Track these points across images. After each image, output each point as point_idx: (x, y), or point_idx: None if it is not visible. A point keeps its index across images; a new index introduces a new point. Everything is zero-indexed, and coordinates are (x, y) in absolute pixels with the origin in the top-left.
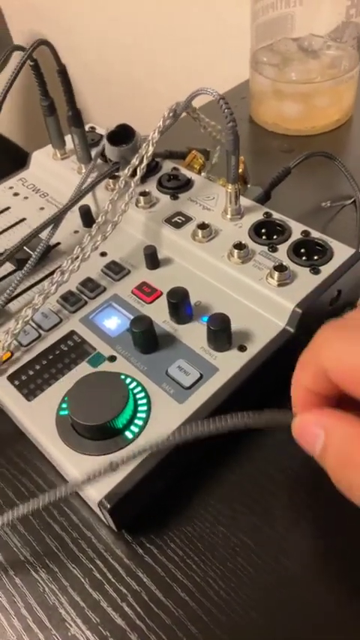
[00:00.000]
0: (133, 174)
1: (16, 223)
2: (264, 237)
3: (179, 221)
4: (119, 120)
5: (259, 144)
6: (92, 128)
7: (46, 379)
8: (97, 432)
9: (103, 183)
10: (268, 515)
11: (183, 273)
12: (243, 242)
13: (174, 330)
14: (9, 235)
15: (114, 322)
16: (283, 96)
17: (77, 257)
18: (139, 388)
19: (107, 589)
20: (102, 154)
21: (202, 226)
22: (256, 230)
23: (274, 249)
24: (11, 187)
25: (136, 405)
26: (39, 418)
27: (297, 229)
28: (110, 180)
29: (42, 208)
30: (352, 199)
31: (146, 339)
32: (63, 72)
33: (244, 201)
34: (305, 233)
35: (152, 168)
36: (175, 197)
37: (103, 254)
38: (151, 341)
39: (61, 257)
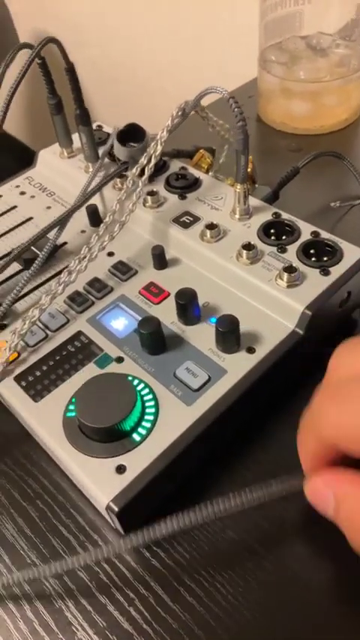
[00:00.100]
0: (141, 173)
1: (23, 222)
2: (273, 237)
3: (187, 221)
4: (126, 118)
5: (266, 143)
6: (99, 127)
7: (53, 380)
8: (105, 434)
9: (111, 182)
10: (278, 519)
11: (191, 274)
12: (252, 242)
13: (182, 331)
14: (15, 234)
15: (121, 323)
16: (292, 94)
17: (84, 257)
18: (147, 390)
19: (114, 593)
20: (109, 153)
21: (211, 226)
22: (265, 230)
23: (283, 250)
24: (18, 186)
25: (143, 407)
26: (46, 419)
27: (306, 230)
28: (118, 180)
29: (49, 207)
30: None
31: (154, 340)
32: (71, 70)
33: (253, 201)
34: (315, 234)
35: (160, 167)
36: (183, 197)
37: (111, 254)
38: (159, 342)
39: (68, 257)
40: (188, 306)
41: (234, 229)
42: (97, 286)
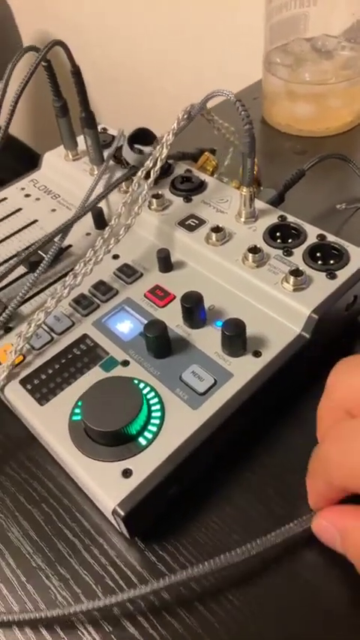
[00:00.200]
0: (147, 176)
1: (28, 225)
2: (279, 240)
3: (192, 224)
4: (126, 117)
5: (271, 145)
6: (104, 129)
7: (58, 383)
8: (111, 438)
9: None
10: (283, 524)
11: (196, 277)
12: (258, 246)
13: (187, 334)
14: (20, 237)
15: (127, 326)
16: (297, 97)
17: (90, 260)
18: (153, 394)
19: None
20: (114, 156)
21: (216, 229)
22: (271, 233)
23: (289, 253)
24: (23, 188)
25: (149, 411)
26: (52, 423)
27: (312, 233)
28: (123, 183)
29: (54, 210)
30: None
31: (160, 344)
32: (77, 73)
33: (258, 204)
34: (321, 237)
35: (165, 170)
36: (188, 199)
37: (116, 257)
38: (165, 346)
39: (73, 259)
40: (194, 309)
41: (239, 232)
42: (103, 289)
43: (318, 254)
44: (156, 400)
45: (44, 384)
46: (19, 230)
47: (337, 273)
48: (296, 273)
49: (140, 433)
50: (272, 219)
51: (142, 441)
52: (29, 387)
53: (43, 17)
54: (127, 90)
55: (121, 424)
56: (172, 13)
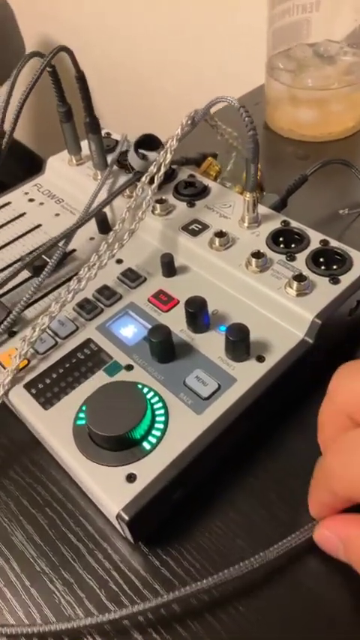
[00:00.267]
0: (151, 181)
1: (32, 229)
2: (282, 245)
3: (196, 229)
4: (126, 117)
5: (274, 150)
6: (108, 134)
7: (62, 388)
8: (115, 442)
9: None
10: (287, 529)
11: (200, 282)
12: (261, 251)
13: (191, 339)
14: (24, 241)
15: (130, 331)
16: (299, 102)
17: (94, 264)
18: (157, 398)
19: (123, 601)
20: (118, 160)
21: (220, 234)
22: (274, 238)
23: (292, 258)
24: (27, 193)
25: (153, 416)
26: (56, 427)
27: (315, 238)
28: (127, 188)
29: (57, 214)
30: None
31: (164, 348)
32: (82, 79)
33: (261, 209)
34: (324, 242)
35: (169, 175)
36: (191, 204)
37: (119, 261)
38: (169, 350)
39: (77, 264)
40: (198, 314)
41: (243, 237)
42: (107, 294)
43: (321, 259)
44: (160, 405)
45: (48, 389)
46: (23, 234)
47: (340, 278)
48: (299, 278)
49: (144, 438)
50: (275, 224)
51: (146, 445)
52: (33, 391)
53: (43, 18)
54: (127, 90)
55: (125, 429)
56: (172, 13)
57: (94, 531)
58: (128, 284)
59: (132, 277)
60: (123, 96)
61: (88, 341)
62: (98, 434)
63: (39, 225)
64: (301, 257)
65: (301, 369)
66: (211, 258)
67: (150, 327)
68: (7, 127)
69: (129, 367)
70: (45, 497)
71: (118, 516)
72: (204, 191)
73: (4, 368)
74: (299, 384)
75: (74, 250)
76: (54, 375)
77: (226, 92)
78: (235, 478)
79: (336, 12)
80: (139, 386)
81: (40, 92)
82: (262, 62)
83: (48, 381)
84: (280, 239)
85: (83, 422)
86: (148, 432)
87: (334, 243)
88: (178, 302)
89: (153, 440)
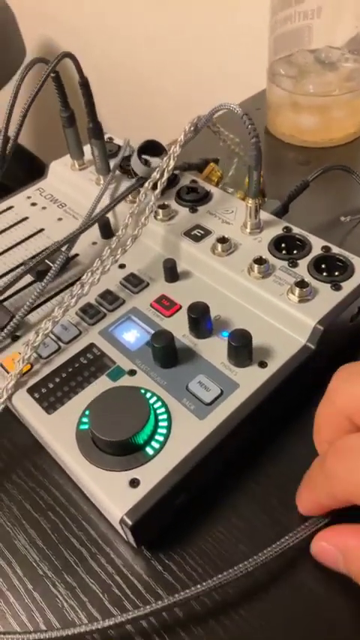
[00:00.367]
0: (154, 187)
1: (35, 234)
2: (284, 251)
3: (198, 234)
4: (126, 118)
5: (275, 155)
6: (110, 139)
7: (66, 392)
8: (119, 447)
9: None
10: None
11: (202, 287)
12: (263, 257)
13: (193, 344)
14: (27, 245)
15: (133, 335)
16: (301, 108)
17: (97, 269)
18: (160, 403)
19: (126, 605)
20: (120, 166)
21: (222, 240)
22: (276, 245)
23: (294, 265)
24: (29, 197)
25: (156, 421)
26: (59, 432)
27: (317, 244)
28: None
29: (60, 219)
30: None
31: (167, 353)
32: (86, 85)
33: (263, 215)
34: (326, 248)
35: (171, 180)
36: (193, 210)
37: (122, 266)
38: (172, 356)
39: (79, 268)
40: (201, 319)
41: (245, 243)
42: (109, 298)
43: (323, 265)
44: (163, 410)
45: (52, 393)
46: (26, 239)
47: (342, 284)
48: (302, 284)
49: (147, 443)
50: (277, 230)
51: (149, 450)
52: (37, 395)
53: (43, 19)
54: (127, 90)
55: (128, 434)
56: (172, 13)
57: (96, 536)
58: (131, 289)
59: (134, 282)
60: (123, 96)
61: (91, 346)
62: (101, 439)
63: (42, 230)
64: (303, 263)
65: (303, 374)
66: (214, 263)
67: (152, 332)
68: (11, 132)
69: (132, 372)
70: (48, 502)
71: (122, 521)
72: (206, 197)
73: (8, 372)
74: (301, 389)
75: (77, 255)
76: (57, 380)
77: (226, 92)
78: (237, 483)
79: (337, 19)
80: (142, 391)
81: (42, 96)
82: (262, 62)
83: (51, 385)
84: (282, 245)
85: (86, 426)
86: (151, 437)
87: (335, 249)
88: (181, 307)
89: (156, 445)
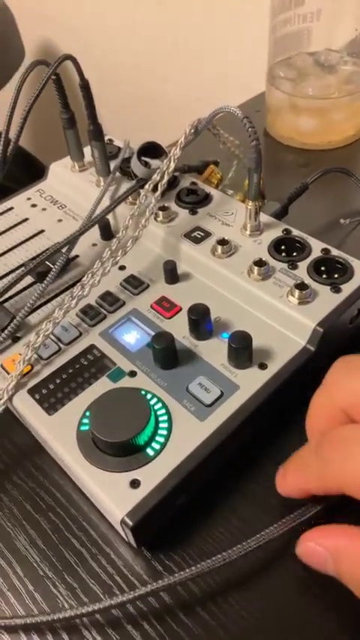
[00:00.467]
0: (154, 189)
1: (35, 235)
2: (284, 254)
3: (198, 236)
4: (126, 118)
5: (274, 157)
6: (110, 140)
7: (66, 393)
8: (119, 448)
9: None
10: (290, 534)
11: (202, 289)
12: (263, 259)
13: (194, 346)
14: (27, 247)
15: (133, 337)
16: (300, 110)
17: (97, 271)
18: (160, 405)
19: (127, 606)
20: (120, 167)
21: (222, 242)
22: (276, 247)
23: (294, 267)
24: (29, 198)
25: (157, 422)
26: (60, 433)
27: (317, 247)
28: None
29: (60, 220)
30: None
31: (167, 355)
32: (86, 87)
33: (263, 217)
34: (325, 251)
35: (171, 182)
36: (193, 212)
37: (122, 267)
38: (172, 357)
39: (80, 270)
40: (201, 321)
41: (245, 245)
42: (110, 300)
43: (322, 268)
44: (163, 411)
45: (52, 394)
46: (26, 240)
47: (341, 286)
48: (301, 286)
49: (148, 444)
50: (277, 232)
51: (149, 451)
52: (37, 396)
53: (43, 19)
54: (126, 90)
55: (129, 435)
56: (172, 15)
57: (97, 536)
58: (131, 290)
59: (135, 284)
60: (123, 97)
61: (92, 347)
62: (102, 440)
63: (42, 231)
64: (303, 265)
65: (303, 376)
66: (214, 265)
67: (153, 333)
68: (11, 134)
69: (132, 373)
70: (48, 502)
71: (122, 522)
72: (206, 199)
73: (8, 373)
74: (301, 390)
75: (77, 256)
76: (57, 381)
77: (226, 94)
78: (237, 484)
79: (336, 22)
80: (143, 392)
81: (42, 97)
82: (261, 64)
83: (52, 386)
84: (282, 247)
85: (87, 427)
86: (152, 439)
87: (335, 252)
88: (181, 309)
89: (157, 446)
